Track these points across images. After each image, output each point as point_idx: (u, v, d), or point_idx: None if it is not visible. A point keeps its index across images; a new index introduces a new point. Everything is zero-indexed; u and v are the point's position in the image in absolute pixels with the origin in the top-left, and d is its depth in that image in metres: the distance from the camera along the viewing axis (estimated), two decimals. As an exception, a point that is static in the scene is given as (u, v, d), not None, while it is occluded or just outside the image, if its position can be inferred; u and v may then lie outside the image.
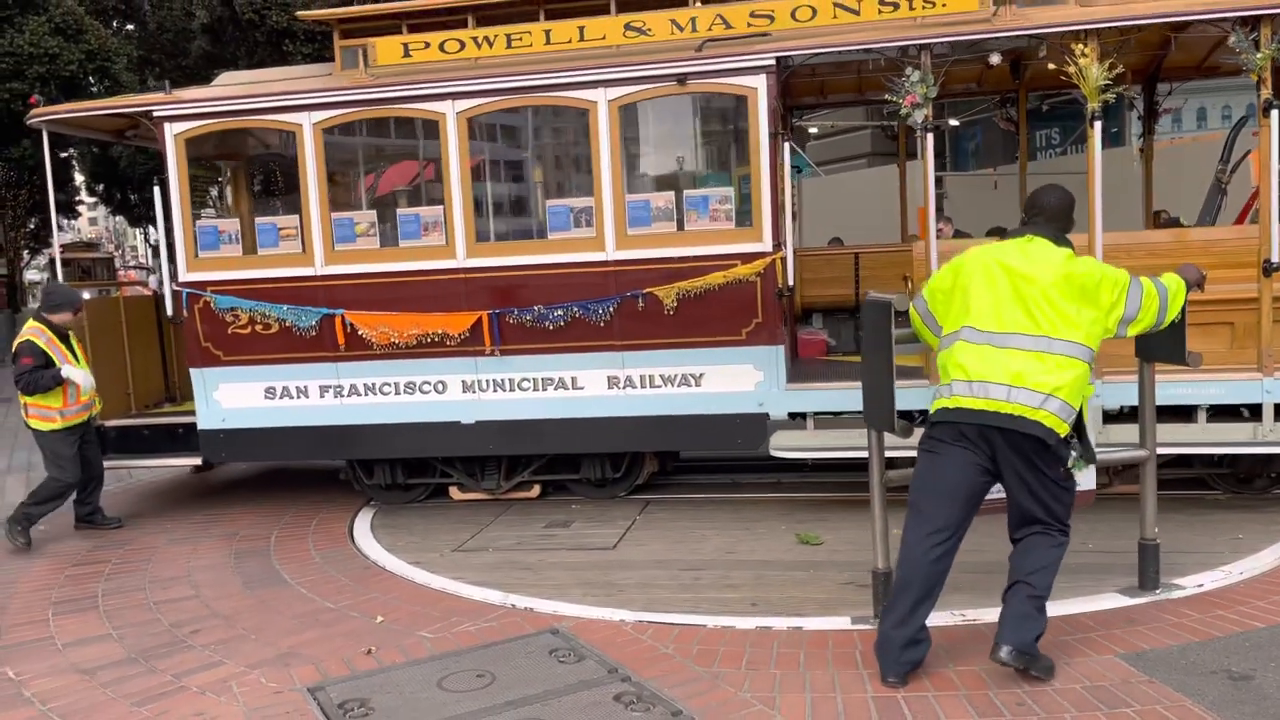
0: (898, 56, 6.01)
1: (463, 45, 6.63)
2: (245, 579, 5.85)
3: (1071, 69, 5.75)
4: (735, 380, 6.42)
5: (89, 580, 6.00)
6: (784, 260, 6.24)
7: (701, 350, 6.42)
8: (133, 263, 38.37)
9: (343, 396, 6.86)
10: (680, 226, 6.39)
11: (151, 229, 22.83)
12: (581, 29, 6.46)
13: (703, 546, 5.91)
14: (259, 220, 6.95)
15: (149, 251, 31.04)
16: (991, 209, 8.57)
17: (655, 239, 6.38)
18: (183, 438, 7.45)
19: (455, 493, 7.30)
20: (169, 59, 18.29)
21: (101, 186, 20.93)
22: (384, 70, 6.71)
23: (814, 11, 6.22)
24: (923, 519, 3.85)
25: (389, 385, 6.80)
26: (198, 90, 7.26)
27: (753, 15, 6.27)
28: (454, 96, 6.46)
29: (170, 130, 6.81)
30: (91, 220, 46.54)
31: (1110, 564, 5.11)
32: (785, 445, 6.41)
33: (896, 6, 6.11)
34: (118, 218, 30.71)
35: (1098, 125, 5.85)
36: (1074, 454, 3.82)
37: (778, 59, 6.09)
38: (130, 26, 19.69)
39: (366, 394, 6.83)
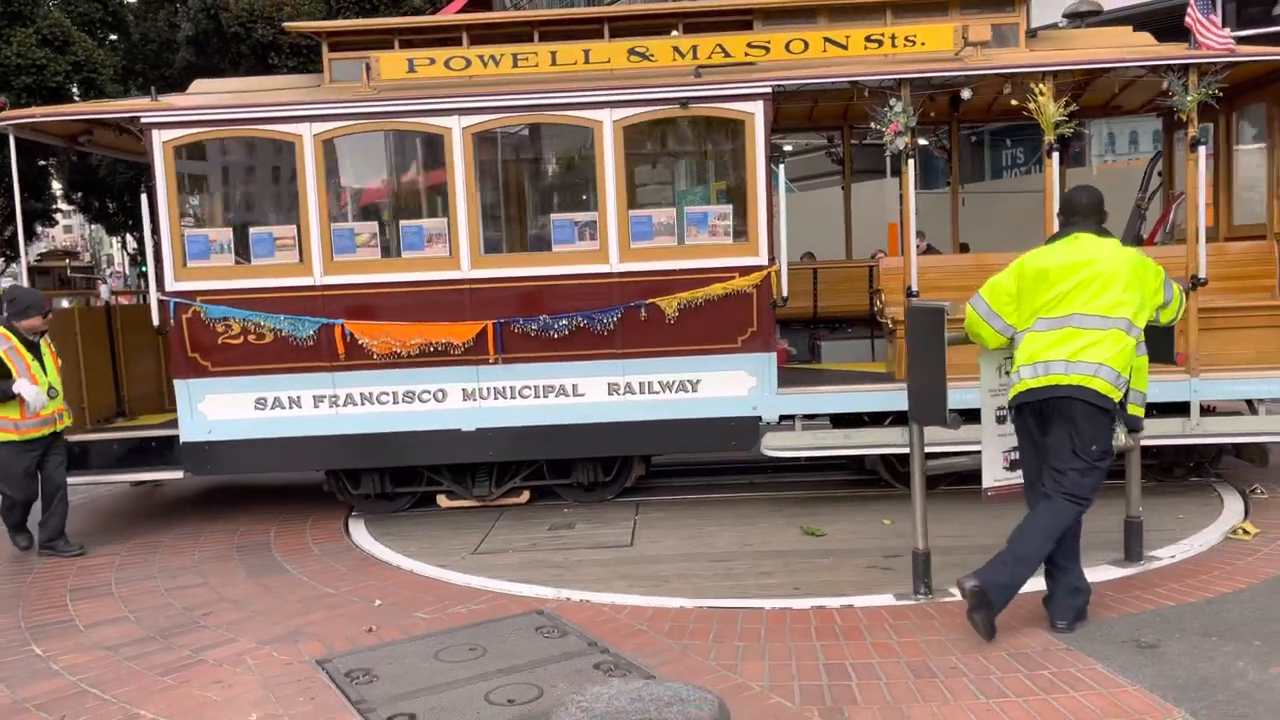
0: (880, 89, 6.61)
1: (468, 63, 6.84)
2: (249, 569, 6.21)
3: (1032, 105, 6.49)
4: (731, 386, 6.85)
5: (101, 571, 6.29)
6: (778, 273, 6.73)
7: (699, 358, 6.81)
8: (108, 271, 36.06)
9: (338, 406, 6.89)
10: (680, 241, 6.79)
11: (130, 237, 22.28)
12: (586, 52, 6.79)
13: (716, 541, 6.29)
14: (254, 230, 6.91)
15: (126, 260, 30.35)
16: (961, 225, 9.37)
17: (658, 252, 6.75)
18: (156, 451, 7.29)
19: (443, 500, 7.41)
20: (153, 70, 17.98)
21: (80, 195, 20.14)
22: (387, 85, 6.83)
23: (806, 45, 6.78)
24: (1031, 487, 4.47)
25: (386, 394, 6.89)
26: (183, 97, 7.15)
27: (749, 46, 6.78)
28: (461, 112, 6.66)
29: (158, 137, 6.71)
30: (67, 229, 43.46)
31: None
32: (776, 445, 6.89)
33: (880, 43, 6.74)
34: (95, 226, 29.22)
35: (1055, 155, 6.60)
36: (1120, 424, 4.39)
37: (774, 87, 6.59)
38: (114, 37, 19.45)
39: (363, 403, 6.89)
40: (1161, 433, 6.82)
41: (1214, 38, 6.60)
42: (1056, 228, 4.72)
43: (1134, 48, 6.94)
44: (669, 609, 5.01)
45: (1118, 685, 3.91)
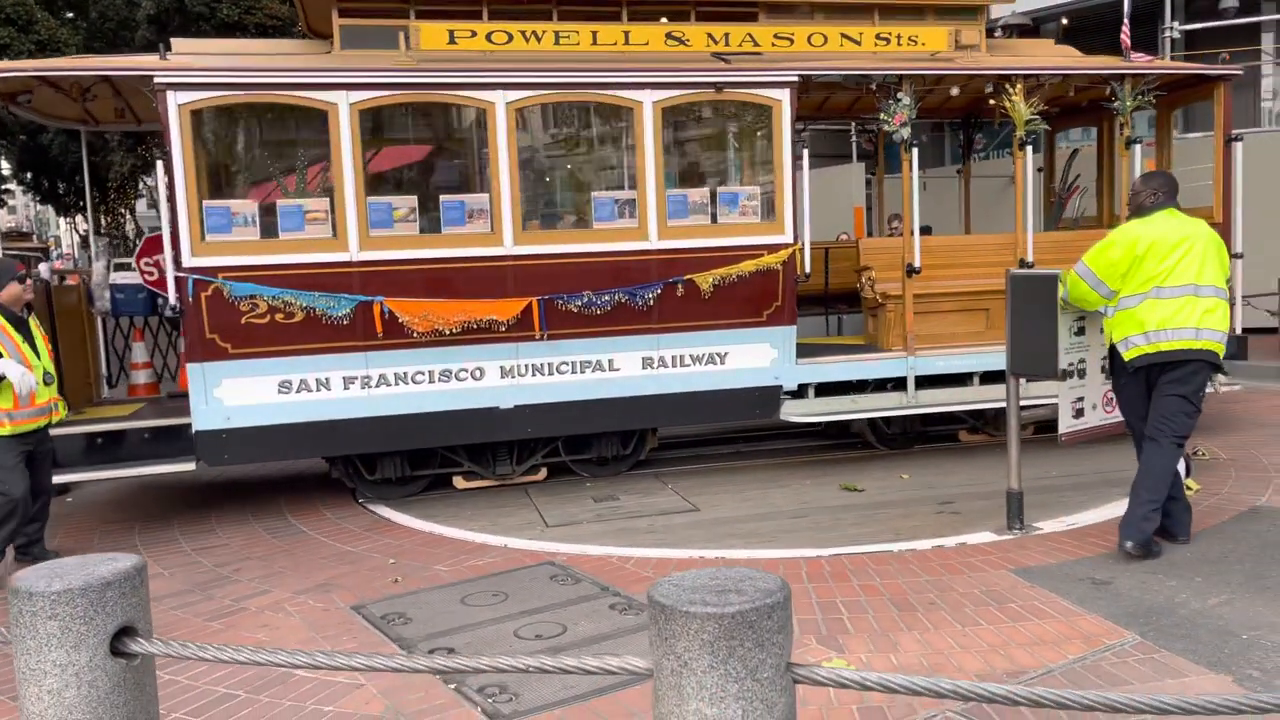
0: (885, 83, 7.27)
1: (510, 38, 6.79)
2: (269, 530, 6.54)
3: (1006, 103, 7.39)
4: (755, 357, 7.28)
5: (123, 535, 6.56)
6: (800, 251, 7.23)
7: (728, 331, 7.19)
8: (55, 254, 31.41)
9: (370, 387, 6.66)
10: (714, 219, 7.12)
11: (80, 219, 20.54)
12: (626, 33, 6.97)
13: (775, 501, 6.71)
14: (282, 203, 6.51)
15: (76, 242, 28.44)
16: (922, 208, 10.09)
17: (693, 230, 7.05)
18: (150, 443, 6.71)
19: (460, 482, 7.33)
20: (111, 48, 16.35)
21: (29, 175, 17.43)
22: (427, 55, 6.66)
23: (825, 39, 7.30)
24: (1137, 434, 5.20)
25: (422, 374, 6.74)
26: (194, 57, 6.57)
27: (776, 37, 7.22)
28: (505, 87, 6.63)
29: (174, 100, 6.17)
30: (11, 209, 38.13)
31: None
32: (795, 412, 7.40)
33: (889, 41, 7.40)
34: (42, 207, 27.03)
35: (1028, 149, 7.54)
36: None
37: (801, 76, 7.08)
38: (70, 15, 18.18)
39: (397, 383, 6.70)
40: (994, 397, 7.80)
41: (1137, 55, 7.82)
42: (1132, 207, 5.43)
43: (1078, 58, 8.03)
44: (804, 558, 5.37)
45: (1076, 614, 4.46)
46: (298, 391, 6.54)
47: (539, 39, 6.83)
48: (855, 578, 5.05)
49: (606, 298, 6.89)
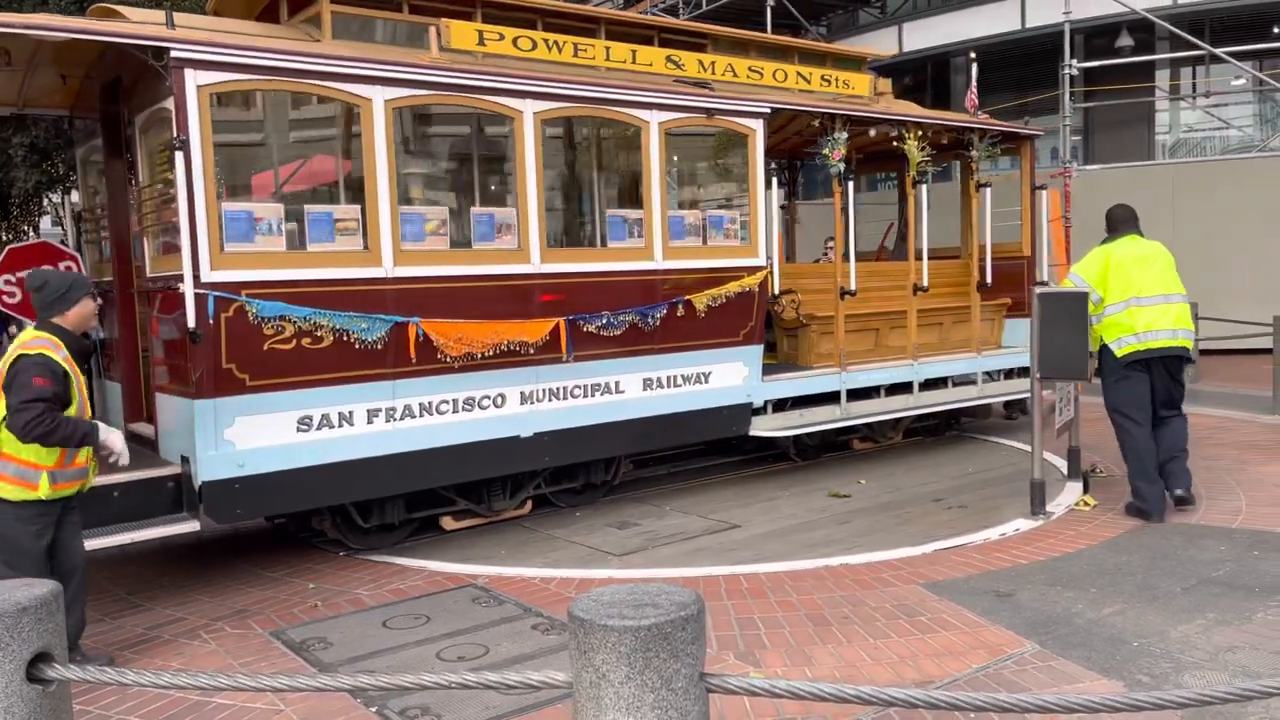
0: (825, 120, 7.96)
1: (534, 45, 6.48)
2: (183, 555, 6.39)
3: (905, 147, 8.43)
4: (732, 376, 7.56)
5: None
6: (771, 273, 7.62)
7: (712, 351, 7.42)
8: None
9: (395, 420, 6.00)
10: (705, 241, 7.28)
11: None
12: (634, 52, 7.01)
13: (786, 510, 7.14)
14: (310, 209, 5.62)
15: None
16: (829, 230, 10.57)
17: (688, 251, 7.22)
18: (124, 501, 5.41)
19: (449, 522, 6.74)
20: None
21: None
22: (456, 55, 6.13)
23: (785, 75, 7.78)
24: (1136, 420, 6.27)
25: (446, 403, 6.20)
26: (204, 32, 5.43)
27: (750, 70, 7.58)
28: (533, 96, 6.34)
29: (193, 79, 5.18)
30: None
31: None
32: (766, 426, 7.75)
33: (831, 83, 8.05)
34: None
35: (922, 186, 8.62)
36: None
37: (772, 108, 7.51)
38: None
39: (422, 414, 6.10)
40: (963, 398, 9.24)
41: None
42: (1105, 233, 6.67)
43: (948, 114, 9.28)
44: (898, 559, 5.82)
45: (980, 625, 4.75)
46: (318, 428, 5.73)
47: (560, 49, 6.62)
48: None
49: (622, 318, 6.80)
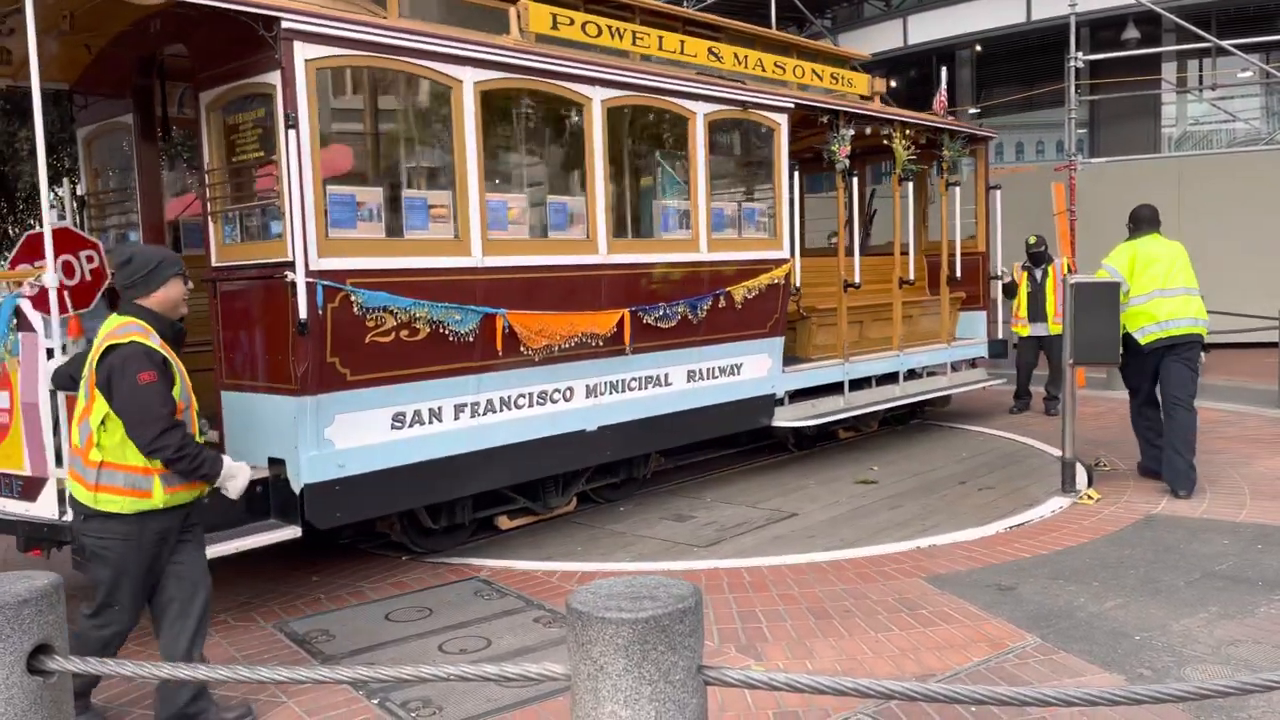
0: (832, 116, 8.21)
1: (599, 31, 6.35)
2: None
3: (893, 145, 8.80)
4: (759, 367, 7.67)
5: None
6: (793, 266, 7.77)
7: (744, 342, 7.53)
8: None
9: (478, 415, 5.81)
10: (740, 233, 7.34)
11: None
12: (682, 43, 6.96)
13: (828, 499, 7.27)
14: (407, 194, 5.34)
15: None
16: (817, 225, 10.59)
17: (728, 243, 7.29)
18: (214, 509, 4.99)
19: (504, 521, 6.55)
20: None
21: None
22: (532, 40, 5.96)
23: (803, 72, 7.94)
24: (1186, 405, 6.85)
25: (524, 397, 6.06)
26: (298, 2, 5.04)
27: (775, 66, 7.70)
28: (602, 83, 6.25)
29: (301, 53, 4.85)
30: None
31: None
32: (788, 417, 7.90)
33: (837, 80, 8.28)
34: None
35: (908, 184, 8.99)
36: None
37: (795, 103, 7.66)
38: None
39: (501, 409, 5.93)
40: (933, 388, 9.69)
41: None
42: (1129, 233, 7.17)
43: (923, 114, 9.66)
44: (978, 539, 6.09)
45: (982, 618, 4.79)
46: (411, 425, 5.47)
47: (620, 37, 6.52)
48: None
49: (676, 309, 6.78)
